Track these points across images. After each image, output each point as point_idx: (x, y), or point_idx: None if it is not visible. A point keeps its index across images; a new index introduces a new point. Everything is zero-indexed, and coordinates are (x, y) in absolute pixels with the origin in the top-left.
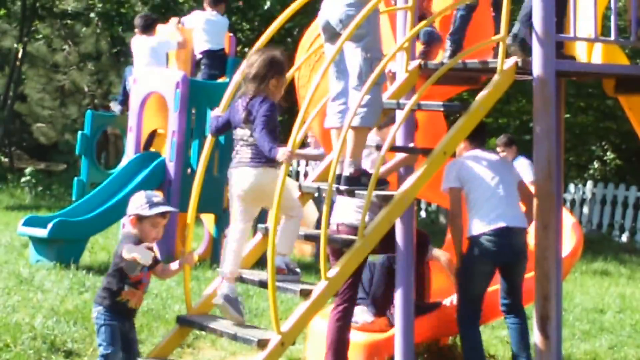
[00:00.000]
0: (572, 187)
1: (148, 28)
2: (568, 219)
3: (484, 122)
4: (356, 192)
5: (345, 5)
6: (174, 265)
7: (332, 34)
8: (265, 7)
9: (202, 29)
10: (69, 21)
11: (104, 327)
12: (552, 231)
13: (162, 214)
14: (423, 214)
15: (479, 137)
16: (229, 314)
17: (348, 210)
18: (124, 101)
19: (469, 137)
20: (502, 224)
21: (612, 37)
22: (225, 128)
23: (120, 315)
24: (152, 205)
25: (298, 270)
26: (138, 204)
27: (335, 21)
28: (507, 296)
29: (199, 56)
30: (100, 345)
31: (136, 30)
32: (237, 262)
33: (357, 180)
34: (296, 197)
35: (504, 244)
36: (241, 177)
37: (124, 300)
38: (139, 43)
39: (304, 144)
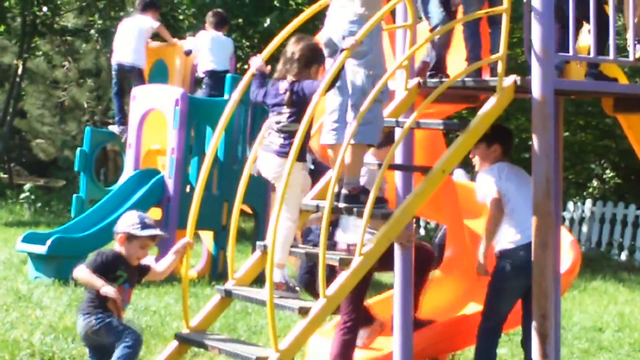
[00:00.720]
0: (571, 205)
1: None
2: (566, 237)
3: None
4: (354, 209)
5: (348, 22)
6: (168, 258)
7: (334, 51)
8: (265, 25)
9: (208, 48)
10: (68, 38)
11: (106, 324)
12: (551, 249)
13: (152, 237)
14: (422, 231)
15: (510, 148)
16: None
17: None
18: (121, 120)
19: (502, 148)
20: None
21: (611, 56)
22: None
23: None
24: (144, 226)
25: (297, 289)
26: (130, 223)
27: (338, 37)
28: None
29: (202, 75)
30: (119, 341)
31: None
32: (284, 250)
33: (356, 199)
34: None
35: None
36: (268, 163)
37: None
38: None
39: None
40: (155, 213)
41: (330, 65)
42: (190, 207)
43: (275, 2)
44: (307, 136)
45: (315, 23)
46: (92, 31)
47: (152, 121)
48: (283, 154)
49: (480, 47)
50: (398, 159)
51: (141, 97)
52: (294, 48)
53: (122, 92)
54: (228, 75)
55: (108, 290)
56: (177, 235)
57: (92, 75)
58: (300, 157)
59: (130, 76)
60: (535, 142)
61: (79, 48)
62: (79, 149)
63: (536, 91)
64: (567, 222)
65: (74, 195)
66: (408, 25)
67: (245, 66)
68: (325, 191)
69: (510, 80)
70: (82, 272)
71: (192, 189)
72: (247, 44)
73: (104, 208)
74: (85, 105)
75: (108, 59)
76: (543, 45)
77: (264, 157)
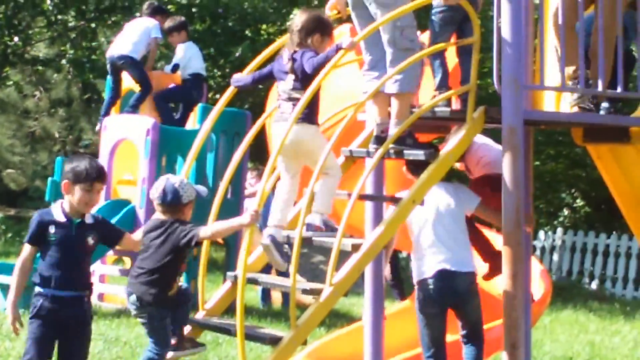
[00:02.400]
0: (542, 234)
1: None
2: (536, 267)
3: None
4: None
5: None
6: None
7: (363, 10)
8: (237, 55)
9: (191, 55)
10: (40, 67)
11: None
12: (521, 280)
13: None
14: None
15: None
16: (272, 256)
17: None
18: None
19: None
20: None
21: (580, 86)
22: (264, 80)
23: None
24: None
25: (336, 226)
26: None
27: None
28: (463, 328)
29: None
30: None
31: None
32: (285, 213)
33: (402, 141)
34: (334, 156)
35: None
36: (281, 131)
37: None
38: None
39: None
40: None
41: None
42: None
43: (247, 32)
44: (315, 101)
45: None
46: (64, 61)
47: (123, 151)
48: (299, 120)
49: (448, 77)
50: (369, 189)
51: (112, 127)
52: (297, 20)
53: (117, 86)
54: (199, 105)
55: None
56: None
57: (63, 105)
58: (314, 120)
59: (123, 66)
60: (505, 172)
61: (50, 78)
62: (49, 179)
63: (506, 122)
64: (538, 251)
65: None
66: None
67: (217, 96)
68: (296, 221)
69: (480, 110)
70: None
71: None
72: (219, 73)
73: None
74: (57, 135)
75: (79, 88)
76: (512, 75)
77: (279, 128)
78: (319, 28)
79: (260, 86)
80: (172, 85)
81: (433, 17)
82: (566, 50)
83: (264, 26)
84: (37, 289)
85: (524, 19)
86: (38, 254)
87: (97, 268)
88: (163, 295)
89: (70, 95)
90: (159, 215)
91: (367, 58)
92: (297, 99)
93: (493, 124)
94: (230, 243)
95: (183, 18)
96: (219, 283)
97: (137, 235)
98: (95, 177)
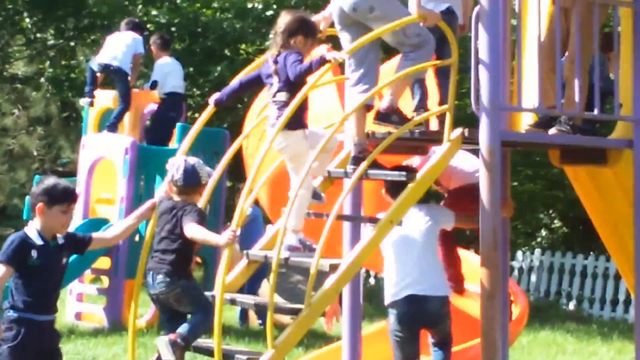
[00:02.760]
0: (519, 254)
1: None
2: (513, 288)
3: None
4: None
5: None
6: (127, 221)
7: (347, 21)
8: (216, 74)
9: (170, 72)
10: (19, 85)
11: None
12: (498, 301)
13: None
14: (372, 280)
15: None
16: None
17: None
18: (91, 92)
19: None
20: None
21: (557, 109)
22: (251, 84)
23: None
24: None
25: (314, 246)
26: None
27: (349, 7)
28: (432, 337)
29: (162, 96)
30: None
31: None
32: (299, 217)
33: (387, 117)
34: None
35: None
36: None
37: None
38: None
39: None
40: (104, 262)
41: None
42: (140, 256)
43: (226, 52)
44: (302, 105)
45: None
46: (43, 79)
47: (102, 170)
48: (275, 126)
49: (426, 99)
50: (347, 209)
51: (91, 146)
52: (280, 21)
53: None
54: (178, 124)
55: None
56: (126, 285)
57: (42, 123)
58: (298, 126)
59: (114, 76)
60: (482, 193)
61: (29, 96)
62: (28, 197)
63: (483, 143)
64: (515, 272)
65: None
66: None
67: (196, 115)
68: (274, 242)
69: (458, 131)
70: None
71: (142, 238)
72: (198, 92)
73: None
74: (35, 153)
75: (58, 107)
76: (490, 97)
77: (269, 133)
78: (302, 29)
79: (239, 105)
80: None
81: None
82: (545, 88)
83: (243, 45)
84: (13, 314)
85: (502, 40)
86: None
87: (74, 287)
88: (188, 268)
89: (48, 113)
90: (172, 199)
91: (355, 74)
92: (282, 102)
93: (471, 144)
94: (208, 262)
95: (166, 36)
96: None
97: (114, 230)
98: (71, 197)
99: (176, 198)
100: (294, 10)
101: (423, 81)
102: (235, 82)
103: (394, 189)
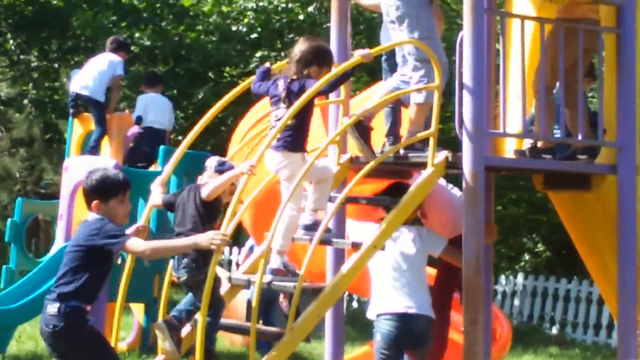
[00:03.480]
0: (503, 278)
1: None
2: (497, 313)
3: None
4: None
5: None
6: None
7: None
8: (199, 97)
9: (151, 107)
10: (1, 107)
11: None
12: (481, 326)
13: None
14: (355, 304)
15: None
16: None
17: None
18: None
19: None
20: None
21: (541, 133)
22: (262, 93)
23: None
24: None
25: (297, 270)
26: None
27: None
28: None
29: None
30: None
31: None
32: (286, 238)
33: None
34: (325, 168)
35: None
36: (270, 160)
37: None
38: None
39: None
40: None
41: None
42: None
43: (210, 74)
44: (305, 129)
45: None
46: (26, 101)
47: None
48: (281, 147)
49: (399, 124)
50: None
51: (73, 168)
52: (297, 49)
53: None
54: (161, 147)
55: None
56: (108, 308)
57: (24, 144)
58: (299, 148)
59: (87, 104)
60: (465, 218)
61: (12, 117)
62: (9, 219)
63: (467, 167)
64: (499, 296)
65: (4, 266)
66: (340, 101)
67: (180, 137)
68: (257, 265)
69: (442, 156)
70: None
71: (124, 260)
72: (182, 115)
73: (34, 279)
74: (17, 175)
75: (41, 129)
76: (474, 122)
77: (267, 155)
78: (318, 60)
79: (223, 127)
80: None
81: (384, 65)
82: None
83: (227, 68)
84: (76, 304)
85: (486, 65)
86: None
87: None
88: (210, 254)
89: (31, 135)
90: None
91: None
92: (289, 127)
93: (454, 169)
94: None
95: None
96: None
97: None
98: (125, 187)
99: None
100: (310, 38)
101: (395, 107)
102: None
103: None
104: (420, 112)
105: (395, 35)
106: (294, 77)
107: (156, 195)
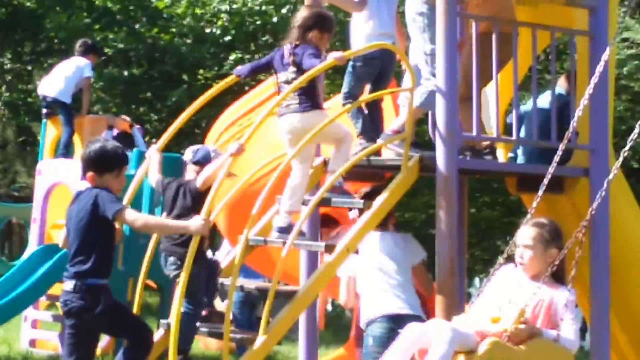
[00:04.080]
0: (477, 281)
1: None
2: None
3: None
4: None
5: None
6: None
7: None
8: (173, 99)
9: None
10: None
11: None
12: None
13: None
14: (330, 307)
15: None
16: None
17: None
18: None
19: None
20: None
21: (514, 136)
22: (262, 70)
23: None
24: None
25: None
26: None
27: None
28: None
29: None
30: None
31: None
32: (295, 199)
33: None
34: (341, 124)
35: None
36: (288, 123)
37: None
38: None
39: None
40: (59, 288)
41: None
42: None
43: (184, 77)
44: (315, 87)
45: (223, 99)
46: None
47: (58, 195)
48: (305, 109)
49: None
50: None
51: (47, 171)
52: (298, 16)
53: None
54: (135, 150)
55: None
56: None
57: None
58: (318, 106)
59: (54, 107)
60: (439, 221)
61: None
62: None
63: (440, 170)
64: (473, 299)
65: None
66: None
67: (154, 140)
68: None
69: (415, 159)
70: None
71: None
72: (156, 117)
73: (7, 283)
74: None
75: (14, 131)
76: (447, 125)
77: (284, 120)
78: (318, 24)
79: (197, 130)
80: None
81: (350, 69)
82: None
83: (201, 71)
84: (93, 281)
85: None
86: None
87: (29, 313)
88: (200, 251)
89: (5, 137)
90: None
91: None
92: (300, 89)
93: (427, 172)
94: (164, 288)
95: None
96: (152, 329)
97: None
98: (122, 162)
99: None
100: (311, 6)
101: (360, 107)
102: (246, 66)
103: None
104: (413, 114)
105: (415, 36)
106: (297, 42)
107: (153, 169)
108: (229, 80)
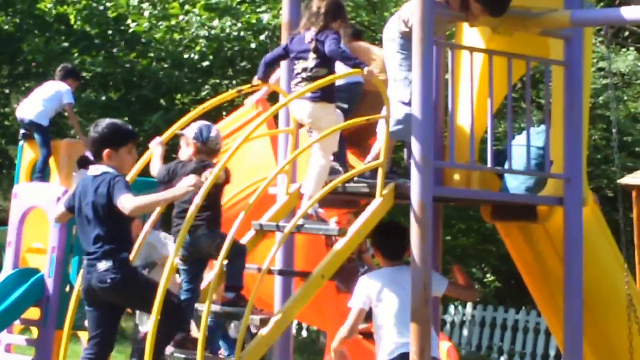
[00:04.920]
0: (452, 308)
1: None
2: (444, 344)
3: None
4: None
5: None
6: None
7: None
8: (151, 124)
9: None
10: None
11: None
12: (428, 357)
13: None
14: (305, 332)
15: (395, 252)
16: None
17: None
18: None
19: (383, 252)
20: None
21: (489, 164)
22: (277, 60)
23: None
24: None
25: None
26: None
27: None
28: None
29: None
30: None
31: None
32: (317, 185)
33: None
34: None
35: None
36: (302, 110)
37: None
38: None
39: None
40: (34, 312)
41: None
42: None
43: (162, 101)
44: (332, 83)
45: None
46: None
47: (33, 219)
48: (314, 98)
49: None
50: (278, 263)
51: (22, 195)
52: (319, 3)
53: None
54: None
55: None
56: (56, 335)
57: None
58: (332, 100)
59: (31, 130)
60: (413, 248)
61: None
62: None
63: (415, 198)
64: (448, 326)
65: None
66: (290, 130)
67: None
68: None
69: (390, 186)
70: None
71: (72, 288)
72: None
73: None
74: None
75: None
76: (422, 152)
77: (297, 105)
78: (341, 14)
79: (174, 155)
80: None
81: None
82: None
83: (179, 95)
84: (124, 255)
85: (435, 96)
86: None
87: (3, 337)
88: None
89: None
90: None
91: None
92: (319, 77)
93: (402, 199)
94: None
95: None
96: (127, 353)
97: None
98: (135, 137)
99: (194, 158)
100: None
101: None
102: (262, 64)
103: None
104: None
105: (388, 64)
106: (320, 29)
107: (156, 161)
108: (205, 106)
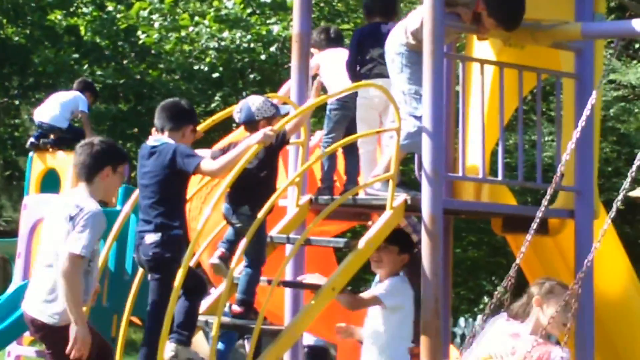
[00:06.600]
0: (462, 321)
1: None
2: (454, 355)
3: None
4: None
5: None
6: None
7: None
8: None
9: None
10: None
11: None
12: None
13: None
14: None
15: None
16: None
17: None
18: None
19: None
20: None
21: (500, 177)
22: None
23: None
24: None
25: None
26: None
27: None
28: None
29: None
30: None
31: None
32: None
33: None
34: None
35: None
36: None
37: None
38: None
39: None
40: None
41: None
42: None
43: None
44: None
45: (211, 135)
46: None
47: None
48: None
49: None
50: (288, 276)
51: (32, 206)
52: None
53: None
54: (122, 186)
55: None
56: None
57: None
58: None
59: (51, 134)
60: (424, 261)
61: None
62: None
63: (426, 210)
64: (458, 338)
65: None
66: (300, 142)
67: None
68: (215, 306)
69: (401, 199)
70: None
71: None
72: None
73: None
74: None
75: (1, 165)
76: (433, 165)
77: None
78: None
79: None
80: None
81: (328, 113)
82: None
83: None
84: (177, 232)
85: (446, 109)
86: None
87: (12, 349)
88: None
89: None
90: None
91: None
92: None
93: (413, 212)
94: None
95: None
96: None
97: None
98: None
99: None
100: None
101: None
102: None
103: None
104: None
105: (394, 77)
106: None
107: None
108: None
